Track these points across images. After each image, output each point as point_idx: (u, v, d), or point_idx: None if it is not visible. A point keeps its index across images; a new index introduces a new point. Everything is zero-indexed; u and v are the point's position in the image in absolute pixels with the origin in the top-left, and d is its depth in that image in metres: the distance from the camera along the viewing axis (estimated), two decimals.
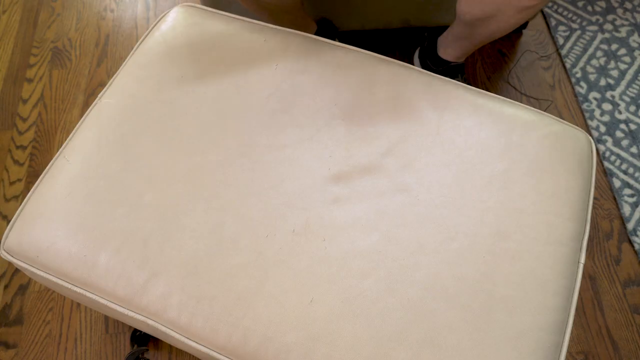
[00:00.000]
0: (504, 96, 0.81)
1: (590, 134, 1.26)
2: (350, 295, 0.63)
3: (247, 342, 0.62)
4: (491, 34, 1.08)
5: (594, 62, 1.38)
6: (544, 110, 1.05)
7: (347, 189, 0.70)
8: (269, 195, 0.70)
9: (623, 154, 1.24)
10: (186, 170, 0.72)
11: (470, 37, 1.11)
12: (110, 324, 1.04)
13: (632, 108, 1.30)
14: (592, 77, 1.36)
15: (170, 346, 1.00)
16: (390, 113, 0.77)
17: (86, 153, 0.75)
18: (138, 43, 0.86)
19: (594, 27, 1.44)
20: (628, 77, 1.35)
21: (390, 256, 0.66)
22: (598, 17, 1.46)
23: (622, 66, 1.37)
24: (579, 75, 1.36)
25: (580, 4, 1.48)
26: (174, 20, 0.88)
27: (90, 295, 0.67)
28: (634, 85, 1.34)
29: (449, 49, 1.19)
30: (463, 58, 1.20)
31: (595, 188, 0.97)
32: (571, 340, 0.92)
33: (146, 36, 0.87)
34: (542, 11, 1.47)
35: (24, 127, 1.31)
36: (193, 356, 0.68)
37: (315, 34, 1.21)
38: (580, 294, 0.77)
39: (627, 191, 1.19)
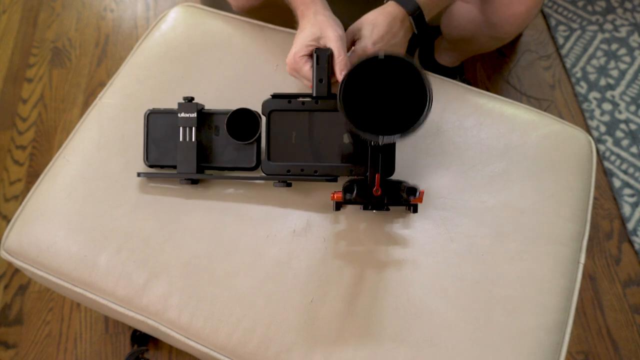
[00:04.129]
0: (504, 96, 0.81)
1: (590, 134, 1.26)
2: (350, 295, 0.63)
3: (247, 342, 0.62)
4: (476, 51, 1.14)
5: (594, 62, 1.38)
6: (544, 110, 1.05)
7: None
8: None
9: (623, 154, 1.24)
10: None
11: (458, 50, 1.15)
12: (110, 324, 1.04)
13: (632, 108, 1.30)
14: (592, 77, 1.36)
15: (170, 346, 1.00)
16: None
17: (86, 153, 0.75)
18: (138, 43, 0.86)
19: (594, 27, 1.44)
20: (628, 77, 1.35)
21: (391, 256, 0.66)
22: (598, 17, 1.45)
23: (622, 66, 1.37)
24: (579, 75, 1.36)
25: (580, 4, 1.48)
26: (174, 20, 0.87)
27: (91, 295, 0.67)
28: (634, 85, 1.34)
29: (442, 55, 1.21)
30: (457, 63, 1.22)
31: (595, 188, 0.97)
32: (571, 340, 0.92)
33: (146, 36, 0.87)
34: (542, 11, 1.47)
35: (24, 127, 1.31)
36: (193, 356, 0.68)
37: None
38: (580, 294, 0.77)
39: (627, 191, 1.19)
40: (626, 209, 1.16)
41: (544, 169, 0.73)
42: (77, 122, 0.79)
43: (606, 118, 1.29)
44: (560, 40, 1.42)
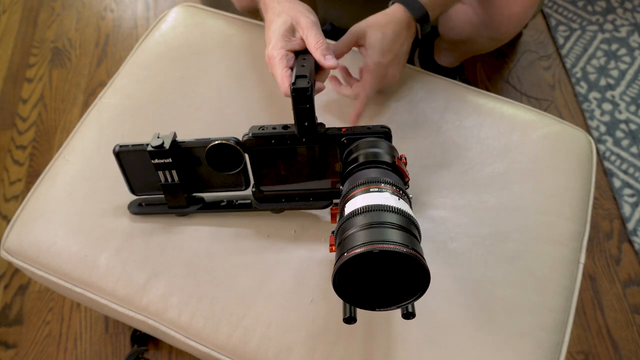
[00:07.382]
0: (504, 96, 0.81)
1: (590, 134, 1.26)
2: None
3: (247, 341, 0.62)
4: (474, 51, 1.15)
5: (594, 62, 1.38)
6: (544, 110, 1.05)
7: None
8: None
9: (623, 154, 1.24)
10: None
11: (457, 50, 1.15)
12: (110, 324, 1.04)
13: (632, 108, 1.30)
14: (592, 77, 1.36)
15: (170, 346, 1.00)
16: (390, 113, 0.77)
17: (86, 153, 0.75)
18: (138, 43, 0.86)
19: (594, 27, 1.44)
20: (628, 77, 1.35)
21: None
22: (598, 17, 1.46)
23: (622, 66, 1.37)
24: (579, 75, 1.36)
25: (580, 4, 1.48)
26: (174, 20, 0.88)
27: (91, 295, 0.67)
28: (634, 85, 1.34)
29: (441, 55, 1.21)
30: (457, 64, 1.22)
31: (595, 188, 0.97)
32: (571, 340, 0.92)
33: (146, 36, 0.87)
34: (542, 11, 1.47)
35: (24, 127, 1.31)
36: (193, 356, 0.68)
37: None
38: (580, 294, 0.77)
39: (627, 191, 1.19)
40: (626, 209, 1.16)
41: (544, 169, 0.73)
42: (77, 122, 0.79)
43: (606, 118, 1.29)
44: (560, 40, 1.42)
